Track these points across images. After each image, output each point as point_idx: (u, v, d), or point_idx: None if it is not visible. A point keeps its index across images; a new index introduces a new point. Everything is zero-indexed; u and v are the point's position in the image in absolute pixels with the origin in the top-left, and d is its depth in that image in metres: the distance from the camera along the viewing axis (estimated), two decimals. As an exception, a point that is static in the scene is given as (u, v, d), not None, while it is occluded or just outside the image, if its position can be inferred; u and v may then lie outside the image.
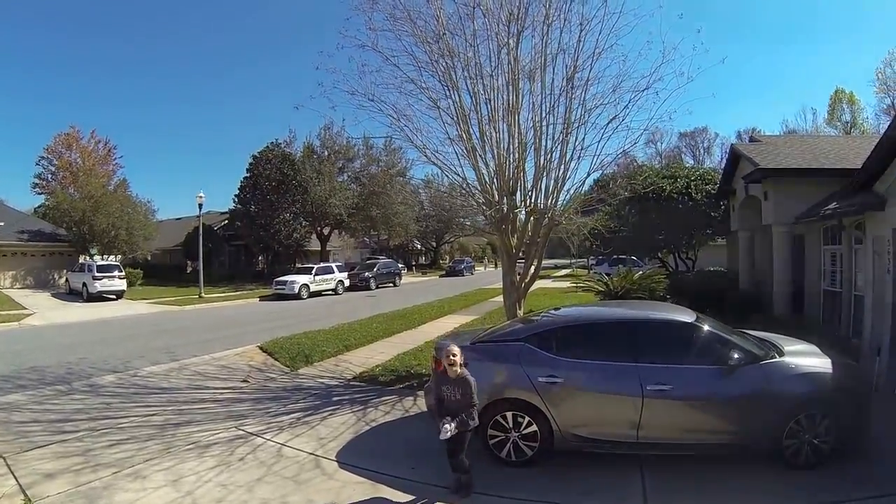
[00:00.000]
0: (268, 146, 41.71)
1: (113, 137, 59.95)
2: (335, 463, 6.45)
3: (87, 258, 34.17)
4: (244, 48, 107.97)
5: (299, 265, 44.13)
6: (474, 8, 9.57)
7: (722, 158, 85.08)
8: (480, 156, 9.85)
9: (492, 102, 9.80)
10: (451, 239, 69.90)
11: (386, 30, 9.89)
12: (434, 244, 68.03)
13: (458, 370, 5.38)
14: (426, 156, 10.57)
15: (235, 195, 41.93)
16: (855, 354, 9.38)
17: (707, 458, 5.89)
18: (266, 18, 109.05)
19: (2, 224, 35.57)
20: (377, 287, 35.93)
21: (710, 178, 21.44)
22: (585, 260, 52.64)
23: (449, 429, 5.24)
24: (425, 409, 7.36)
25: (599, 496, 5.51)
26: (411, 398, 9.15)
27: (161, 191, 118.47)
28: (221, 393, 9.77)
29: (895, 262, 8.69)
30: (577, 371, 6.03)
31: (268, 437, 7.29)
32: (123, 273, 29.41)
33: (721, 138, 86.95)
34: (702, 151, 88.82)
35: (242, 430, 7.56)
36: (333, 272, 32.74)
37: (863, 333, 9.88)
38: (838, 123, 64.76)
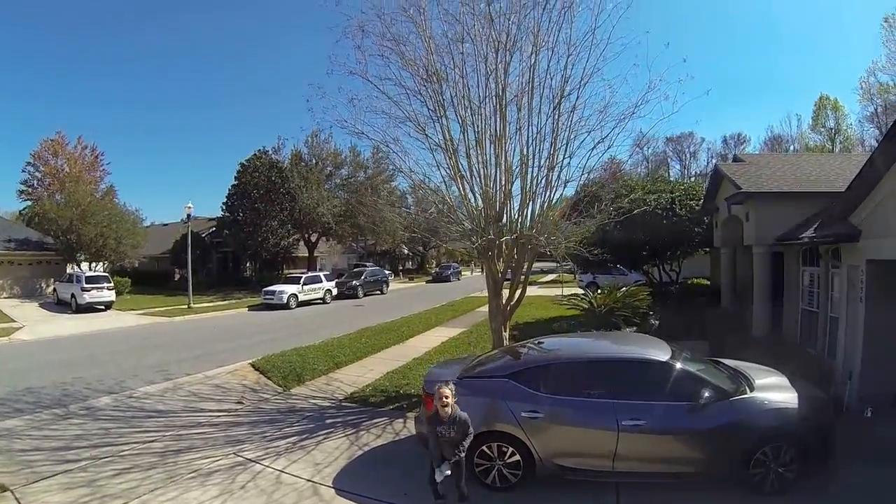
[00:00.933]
0: (256, 153, 41.59)
1: (97, 138, 59.75)
2: (332, 490, 6.69)
3: (76, 268, 33.87)
4: (237, 45, 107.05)
5: (287, 273, 44.27)
6: (463, 36, 9.84)
7: (708, 163, 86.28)
8: (468, 182, 10.11)
9: (479, 130, 10.00)
10: (438, 244, 70.10)
11: (375, 54, 10.11)
12: (421, 249, 68.19)
13: (451, 411, 5.61)
14: (412, 180, 10.92)
15: (223, 202, 41.83)
16: (829, 375, 9.75)
17: (679, 484, 6.23)
18: (261, 15, 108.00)
19: (-17, 233, 35.16)
20: (365, 295, 35.99)
21: (694, 192, 21.59)
22: (572, 265, 52.89)
23: (446, 472, 5.53)
24: (415, 432, 7.66)
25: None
26: (401, 420, 9.38)
27: (147, 193, 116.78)
28: (217, 416, 9.92)
29: (867, 292, 8.99)
30: (557, 407, 6.37)
31: (266, 464, 7.49)
32: (112, 284, 29.15)
33: (707, 143, 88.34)
34: (688, 156, 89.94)
35: (241, 457, 7.74)
36: (321, 281, 32.74)
37: (837, 355, 10.10)
38: (823, 129, 65.90)
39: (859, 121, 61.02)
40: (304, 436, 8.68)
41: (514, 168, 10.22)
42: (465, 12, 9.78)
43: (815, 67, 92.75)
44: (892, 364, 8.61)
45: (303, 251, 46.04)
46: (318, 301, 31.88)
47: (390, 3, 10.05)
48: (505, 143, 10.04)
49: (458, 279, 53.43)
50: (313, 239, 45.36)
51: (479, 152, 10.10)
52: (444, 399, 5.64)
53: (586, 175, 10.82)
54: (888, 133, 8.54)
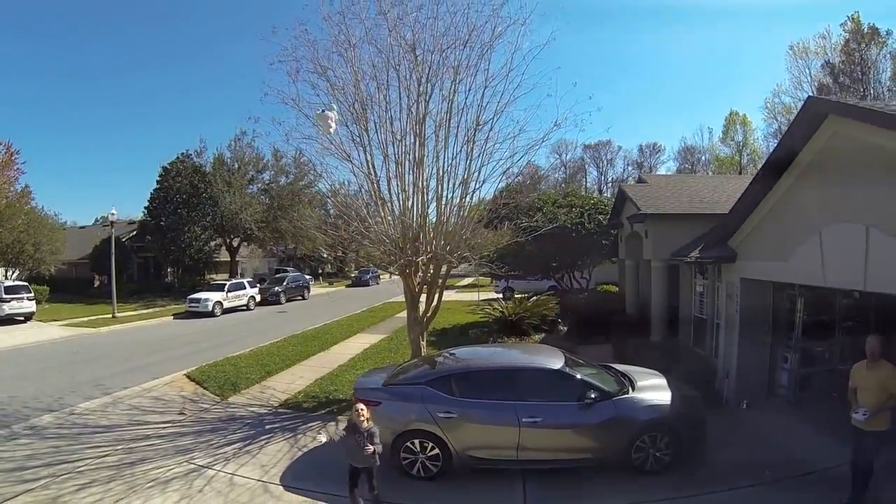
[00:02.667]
0: (178, 157, 40.18)
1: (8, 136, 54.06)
2: (280, 487, 7.59)
3: None
4: (161, 46, 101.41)
5: (210, 279, 43.23)
6: (388, 70, 10.81)
7: (625, 170, 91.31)
8: (388, 207, 11.14)
9: (399, 156, 10.92)
10: (357, 247, 70.14)
11: (305, 81, 10.90)
12: (341, 253, 67.87)
13: (366, 423, 6.56)
14: (336, 202, 11.84)
15: (145, 206, 40.21)
16: (714, 373, 11.20)
17: (577, 469, 7.60)
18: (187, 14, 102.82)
19: None
20: (287, 300, 35.94)
21: (602, 207, 22.53)
22: (488, 269, 54.57)
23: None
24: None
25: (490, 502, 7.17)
26: (333, 423, 10.32)
27: (61, 193, 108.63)
28: (163, 427, 10.38)
29: (741, 304, 10.54)
30: (468, 408, 7.58)
31: (218, 469, 8.20)
32: (33, 294, 27.48)
33: (624, 150, 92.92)
34: (605, 163, 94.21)
35: (194, 464, 8.39)
36: (245, 288, 32.45)
37: (719, 356, 11.44)
38: (731, 142, 71.86)
39: (765, 136, 67.08)
40: (247, 441, 9.41)
41: (430, 193, 11.23)
42: (392, 44, 10.65)
43: (727, 86, 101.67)
44: (762, 364, 10.37)
45: (224, 256, 45.06)
46: (243, 308, 31.55)
47: (323, 34, 10.90)
48: (423, 170, 11.01)
49: (377, 283, 54.03)
50: (235, 244, 44.54)
51: (398, 181, 11.09)
52: (361, 412, 6.58)
53: (499, 195, 12.18)
54: (755, 177, 10.15)
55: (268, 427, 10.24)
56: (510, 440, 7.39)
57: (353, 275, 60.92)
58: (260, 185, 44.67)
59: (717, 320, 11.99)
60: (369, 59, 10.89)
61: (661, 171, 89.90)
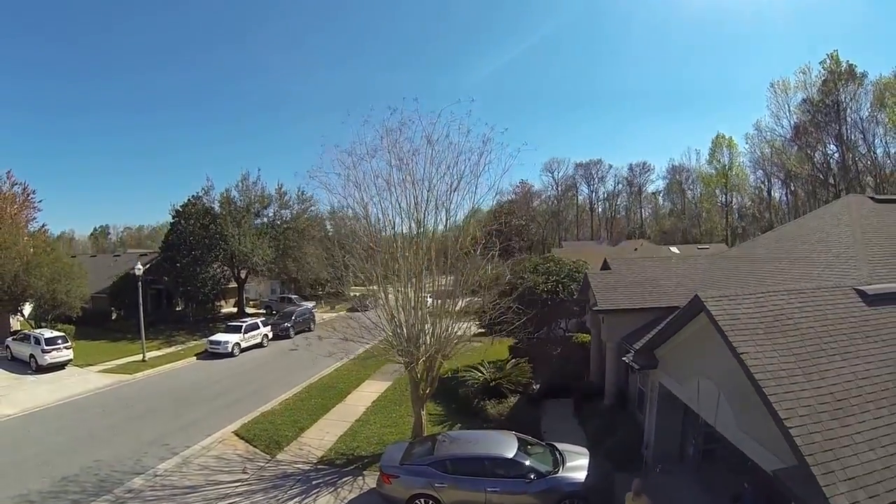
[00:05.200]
0: (189, 200, 44.41)
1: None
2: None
3: (32, 329, 33.40)
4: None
5: (221, 308, 47.14)
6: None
7: (615, 187, 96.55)
8: (398, 322, 15.17)
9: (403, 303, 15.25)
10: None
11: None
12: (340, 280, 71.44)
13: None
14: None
15: (161, 246, 45.00)
16: (640, 441, 14.51)
17: None
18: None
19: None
20: (296, 334, 39.68)
21: (575, 275, 25.40)
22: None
23: None
24: (374, 485, 13.17)
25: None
26: (361, 477, 14.50)
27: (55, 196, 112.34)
28: (235, 486, 14.35)
29: (659, 396, 13.90)
30: (454, 482, 11.98)
31: (290, 522, 12.23)
32: (69, 343, 30.79)
33: (615, 169, 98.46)
34: (596, 181, 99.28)
35: (272, 517, 12.40)
36: (259, 328, 36.18)
37: (646, 428, 14.79)
38: (717, 164, 77.05)
39: (749, 162, 73.01)
40: (303, 496, 13.47)
41: (426, 309, 15.57)
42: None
43: (715, 110, 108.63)
44: (675, 439, 14.05)
45: (232, 283, 49.15)
46: (258, 346, 35.45)
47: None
48: (421, 302, 15.41)
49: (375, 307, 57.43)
50: (243, 276, 48.55)
51: (405, 311, 15.32)
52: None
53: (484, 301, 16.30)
54: (676, 315, 12.54)
55: (314, 482, 14.25)
56: (480, 500, 11.83)
57: (352, 295, 64.22)
58: (265, 219, 48.68)
59: (649, 396, 14.76)
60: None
61: (651, 188, 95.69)
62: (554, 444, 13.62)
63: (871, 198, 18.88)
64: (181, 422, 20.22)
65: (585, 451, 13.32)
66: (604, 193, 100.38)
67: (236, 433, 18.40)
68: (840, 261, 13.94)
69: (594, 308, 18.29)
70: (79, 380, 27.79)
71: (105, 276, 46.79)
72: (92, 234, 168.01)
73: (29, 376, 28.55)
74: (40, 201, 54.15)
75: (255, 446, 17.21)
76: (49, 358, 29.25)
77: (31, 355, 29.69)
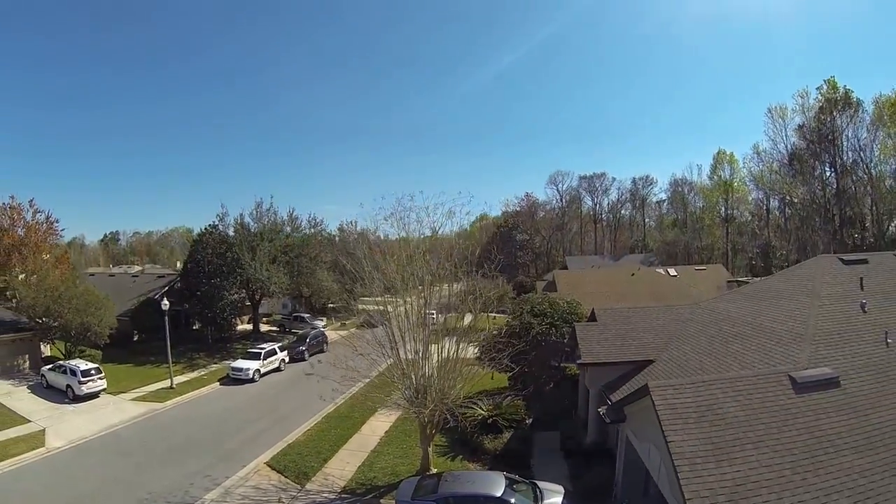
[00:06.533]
0: (207, 229, 47.77)
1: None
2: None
3: (68, 361, 35.36)
4: None
5: (236, 326, 50.03)
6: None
7: (619, 198, 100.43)
8: (408, 378, 18.05)
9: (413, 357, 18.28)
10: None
11: None
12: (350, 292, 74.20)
13: None
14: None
15: (179, 274, 48.38)
16: (613, 478, 17.13)
17: None
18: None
19: (-29, 325, 38.24)
20: (310, 356, 42.71)
21: (569, 317, 27.11)
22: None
23: None
24: None
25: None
26: (379, 504, 17.22)
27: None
28: (274, 515, 17.17)
29: (626, 450, 16.35)
30: None
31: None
32: (103, 374, 33.54)
33: (618, 182, 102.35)
34: (600, 193, 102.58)
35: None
36: (277, 353, 39.23)
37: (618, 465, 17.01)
38: (717, 179, 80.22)
39: (749, 178, 76.18)
40: (332, 524, 16.21)
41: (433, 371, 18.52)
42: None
43: (716, 126, 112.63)
44: (639, 476, 15.92)
45: (247, 301, 51.96)
46: (276, 370, 38.53)
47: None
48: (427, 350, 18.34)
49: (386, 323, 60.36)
50: (258, 297, 51.54)
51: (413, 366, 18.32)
52: None
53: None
54: (638, 389, 14.97)
55: (340, 511, 17.04)
56: None
57: (360, 309, 66.90)
58: (278, 243, 51.51)
59: (620, 439, 16.82)
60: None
61: (653, 200, 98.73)
62: (535, 482, 16.50)
63: (841, 258, 20.48)
64: (218, 453, 23.00)
65: (561, 488, 16.26)
66: (608, 205, 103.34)
67: (268, 464, 21.25)
68: (790, 337, 15.38)
69: (579, 361, 20.93)
70: (114, 409, 30.48)
71: (125, 298, 49.40)
72: (102, 241, 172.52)
73: (67, 405, 30.85)
74: (63, 229, 57.06)
75: (286, 477, 20.05)
76: (85, 388, 31.91)
77: (68, 385, 32.34)
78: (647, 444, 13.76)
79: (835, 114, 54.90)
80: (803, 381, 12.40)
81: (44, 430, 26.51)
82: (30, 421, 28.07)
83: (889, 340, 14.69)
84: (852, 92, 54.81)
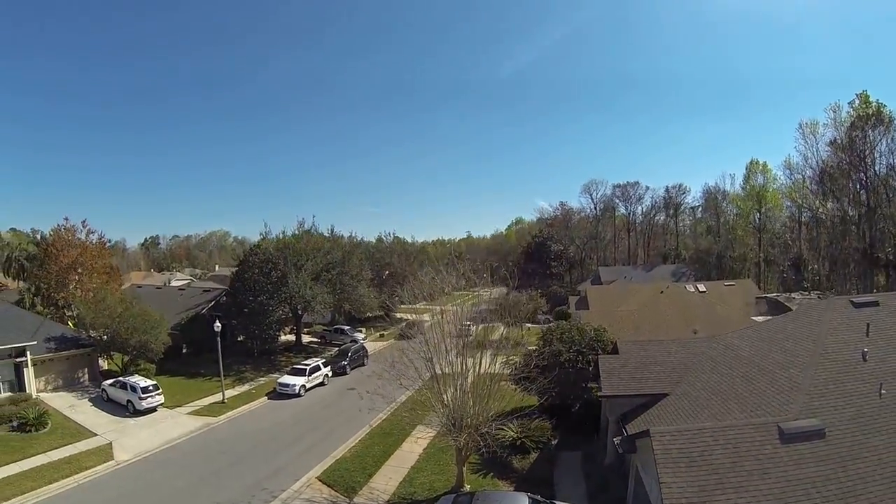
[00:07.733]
0: (251, 248, 51.17)
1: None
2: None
3: (127, 378, 38.04)
4: None
5: (279, 336, 52.88)
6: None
7: (652, 206, 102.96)
8: (447, 407, 20.41)
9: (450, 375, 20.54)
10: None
11: None
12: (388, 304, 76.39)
13: None
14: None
15: (225, 290, 52.39)
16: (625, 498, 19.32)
17: None
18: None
19: (35, 343, 41.78)
20: (352, 370, 45.61)
21: (597, 344, 28.48)
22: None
23: None
24: None
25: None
26: (420, 518, 19.63)
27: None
28: (328, 527, 19.70)
29: (636, 477, 18.25)
30: None
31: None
32: (160, 389, 36.60)
33: (651, 191, 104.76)
34: (633, 201, 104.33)
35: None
36: (321, 369, 42.07)
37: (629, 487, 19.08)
38: (750, 188, 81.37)
39: (782, 193, 77.40)
40: (379, 537, 18.66)
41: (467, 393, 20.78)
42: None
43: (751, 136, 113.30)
44: (645, 500, 17.43)
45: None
46: (320, 385, 41.34)
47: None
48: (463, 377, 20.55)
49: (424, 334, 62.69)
50: (300, 311, 54.56)
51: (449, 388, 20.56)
52: None
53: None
54: (644, 432, 16.94)
55: (385, 524, 19.50)
56: None
57: (398, 317, 69.39)
58: (320, 259, 54.46)
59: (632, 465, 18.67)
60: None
61: (687, 206, 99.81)
62: (556, 503, 18.77)
63: (852, 301, 20.69)
64: (271, 467, 25.61)
65: None
66: (641, 212, 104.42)
67: (319, 478, 23.78)
68: (788, 386, 16.39)
69: (600, 394, 22.99)
70: (173, 423, 33.11)
71: (173, 312, 52.65)
72: (143, 245, 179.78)
73: (128, 419, 33.53)
74: (111, 245, 60.54)
75: (336, 490, 22.54)
76: (145, 404, 34.94)
77: (129, 401, 35.39)
78: (651, 478, 15.50)
79: (867, 129, 55.11)
80: (790, 432, 13.58)
81: (110, 443, 28.76)
82: (96, 434, 30.31)
83: (883, 391, 15.44)
84: (885, 106, 55.11)
